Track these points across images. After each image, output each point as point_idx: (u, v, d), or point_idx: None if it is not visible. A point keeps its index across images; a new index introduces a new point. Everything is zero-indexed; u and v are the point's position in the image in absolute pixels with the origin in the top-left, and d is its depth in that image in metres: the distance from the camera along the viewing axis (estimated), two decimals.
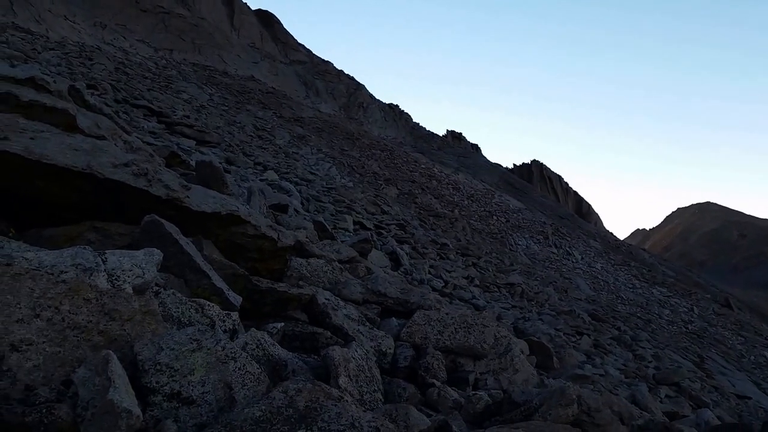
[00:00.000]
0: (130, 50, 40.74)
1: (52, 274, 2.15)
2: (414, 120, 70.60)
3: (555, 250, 36.87)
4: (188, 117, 21.53)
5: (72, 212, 3.43)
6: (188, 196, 3.59)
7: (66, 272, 2.20)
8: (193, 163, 7.36)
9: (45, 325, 2.03)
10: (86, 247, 2.38)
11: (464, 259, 19.35)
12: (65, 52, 26.98)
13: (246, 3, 67.27)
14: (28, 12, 36.95)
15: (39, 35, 30.79)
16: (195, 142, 16.06)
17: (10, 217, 3.32)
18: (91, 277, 2.22)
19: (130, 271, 2.42)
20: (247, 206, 4.60)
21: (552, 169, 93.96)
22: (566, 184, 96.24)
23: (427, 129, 71.52)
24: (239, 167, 15.13)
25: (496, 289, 16.51)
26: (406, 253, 14.24)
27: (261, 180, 13.96)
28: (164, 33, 50.80)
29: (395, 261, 12.56)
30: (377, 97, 66.21)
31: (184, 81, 33.41)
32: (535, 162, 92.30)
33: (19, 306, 1.99)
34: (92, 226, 3.36)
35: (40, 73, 3.64)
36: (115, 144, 3.65)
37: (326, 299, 4.27)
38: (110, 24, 45.67)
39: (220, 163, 11.94)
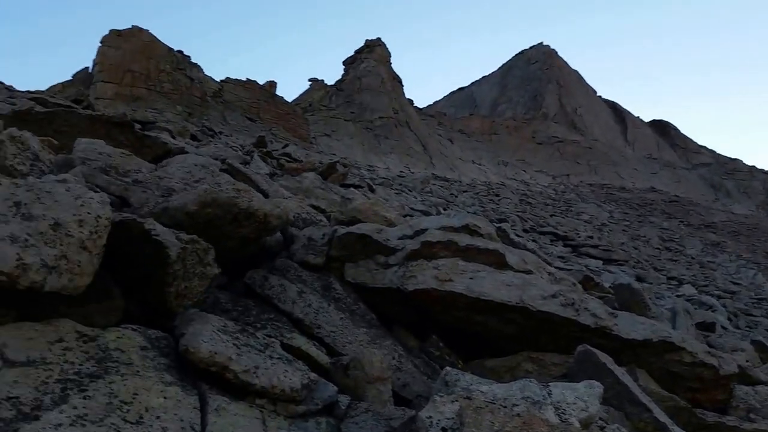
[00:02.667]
0: (531, 181, 43.55)
1: (506, 407, 2.27)
2: None
3: None
4: (591, 237, 21.63)
5: (509, 343, 3.62)
6: (616, 324, 3.52)
7: (517, 405, 2.29)
8: (604, 284, 7.26)
9: None
10: (532, 380, 2.46)
11: None
12: (476, 192, 30.38)
13: (638, 117, 66.51)
14: (443, 163, 43.31)
15: (453, 181, 35.48)
16: (602, 262, 15.95)
17: (457, 350, 3.67)
18: (541, 411, 2.28)
19: (574, 404, 2.41)
20: (678, 331, 4.26)
21: None
22: None
23: None
24: (651, 284, 14.35)
25: None
26: None
27: (677, 296, 12.95)
28: (560, 160, 53.19)
29: None
30: None
31: (583, 202, 34.04)
32: None
33: None
34: (528, 357, 3.49)
35: (472, 219, 4.11)
36: (540, 276, 3.84)
37: None
38: (511, 161, 50.12)
39: (631, 281, 11.50)
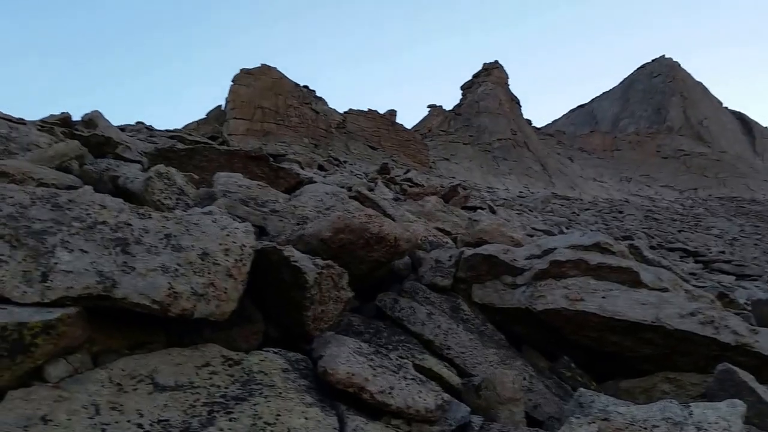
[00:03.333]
0: (656, 197, 41.42)
1: (646, 428, 2.17)
2: None
3: None
4: (723, 252, 20.02)
5: (645, 364, 3.48)
6: (757, 341, 3.26)
7: (657, 426, 2.19)
8: (739, 300, 6.67)
9: None
10: (672, 400, 2.35)
11: None
12: (598, 210, 29.21)
13: (767, 127, 61.90)
14: (563, 181, 42.08)
15: (574, 199, 34.34)
16: (735, 278, 14.68)
17: (589, 371, 3.53)
18: (682, 431, 2.16)
19: (716, 423, 2.25)
20: None
21: None
22: None
23: None
24: None
25: None
26: None
27: None
28: (686, 174, 50.36)
29: None
30: None
31: (712, 216, 31.74)
32: None
33: None
34: (665, 377, 3.35)
35: (603, 237, 3.95)
36: (677, 294, 3.64)
37: None
38: (635, 176, 47.81)
39: None
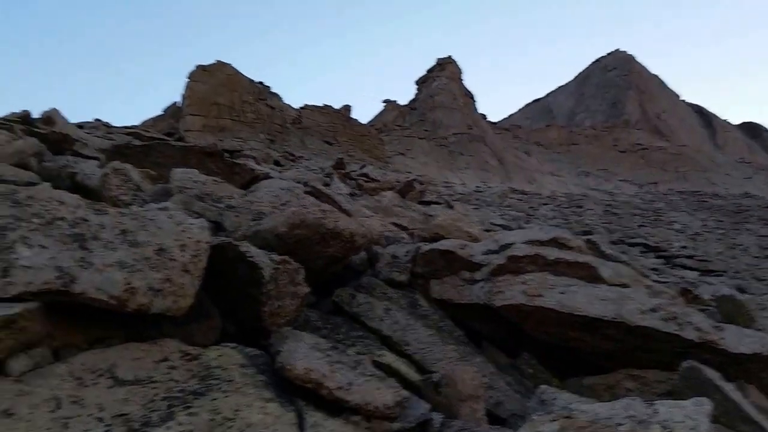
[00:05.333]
0: (615, 191, 42.20)
1: (609, 426, 2.18)
2: None
3: None
4: (685, 247, 20.60)
5: (608, 360, 3.49)
6: (723, 338, 3.31)
7: (622, 424, 2.19)
8: (703, 296, 6.90)
9: None
10: (636, 398, 2.36)
11: None
12: (557, 204, 29.65)
13: (726, 120, 63.50)
14: (521, 176, 42.67)
15: (533, 193, 34.84)
16: (698, 273, 15.12)
17: (551, 367, 3.54)
18: (647, 430, 2.18)
19: (683, 423, 2.28)
20: None
21: None
22: None
23: None
24: (754, 294, 13.48)
25: None
26: None
27: None
28: (646, 168, 51.41)
29: None
30: None
31: (674, 211, 32.56)
32: None
33: None
34: (629, 374, 3.35)
35: (561, 233, 4.01)
36: (638, 290, 3.67)
37: None
38: (593, 171, 48.71)
39: (733, 291, 10.86)
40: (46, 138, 5.74)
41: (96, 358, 1.95)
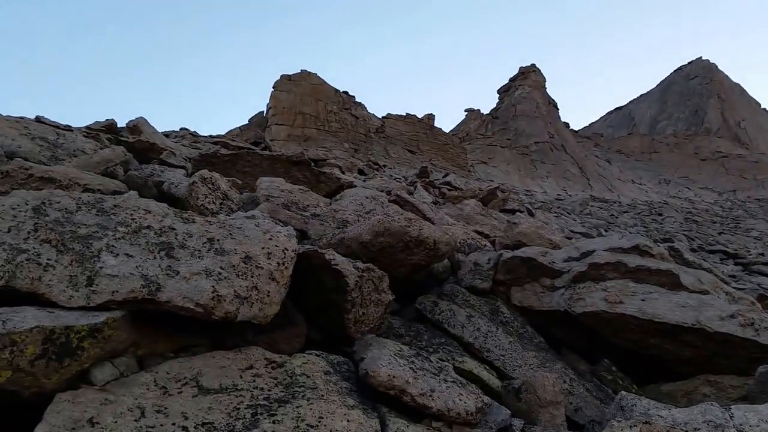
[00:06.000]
0: (695, 199, 40.59)
1: (686, 431, 2.14)
2: None
3: None
4: (762, 254, 19.41)
5: (685, 367, 3.44)
6: None
7: (699, 429, 2.20)
8: None
9: None
10: (713, 403, 2.32)
11: None
12: (637, 212, 28.71)
13: None
14: (601, 184, 41.41)
15: (613, 201, 33.78)
16: None
17: (630, 374, 3.49)
18: None
19: (758, 426, 2.22)
20: None
21: None
22: None
23: None
24: None
25: None
26: None
27: None
28: (725, 176, 49.49)
29: None
30: None
31: (752, 218, 30.90)
32: None
33: None
34: (706, 380, 3.31)
35: (643, 240, 3.90)
36: (718, 297, 3.58)
37: None
38: (673, 179, 46.90)
39: None
40: (133, 147, 5.90)
41: (181, 367, 1.98)
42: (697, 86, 67.25)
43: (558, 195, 33.22)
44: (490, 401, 2.44)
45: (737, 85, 70.99)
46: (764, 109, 71.73)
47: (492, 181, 30.15)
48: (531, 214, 11.59)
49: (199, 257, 2.14)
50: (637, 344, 3.50)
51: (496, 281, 3.93)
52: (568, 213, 22.70)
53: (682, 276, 3.76)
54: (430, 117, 38.45)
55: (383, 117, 36.34)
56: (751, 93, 72.50)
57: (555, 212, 21.61)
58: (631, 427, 2.09)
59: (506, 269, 3.90)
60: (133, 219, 2.22)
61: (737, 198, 43.22)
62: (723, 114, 62.75)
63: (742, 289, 9.51)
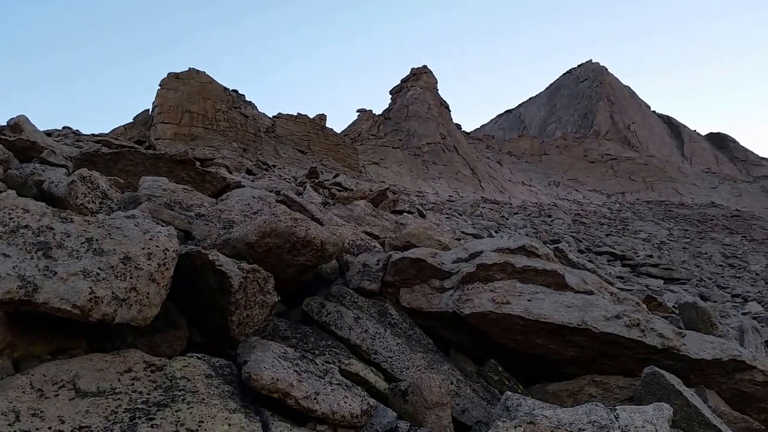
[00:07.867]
0: (584, 201, 42.88)
1: (571, 431, 2.23)
2: None
3: None
4: (651, 256, 21.00)
5: (572, 367, 3.54)
6: (684, 344, 3.38)
7: (583, 429, 2.25)
8: (667, 303, 7.03)
9: None
10: (598, 403, 2.41)
11: None
12: (527, 214, 30.09)
13: (695, 131, 65.13)
14: (492, 185, 43.09)
15: (503, 203, 35.25)
16: (663, 281, 15.44)
17: (516, 374, 3.61)
18: None
19: (643, 428, 2.34)
20: (750, 350, 4.07)
21: None
22: None
23: None
24: (716, 302, 13.79)
25: None
26: None
27: (743, 314, 12.41)
28: (614, 178, 52.39)
29: None
30: None
31: (641, 220, 33.23)
32: None
33: None
34: (592, 380, 3.40)
35: (529, 241, 4.05)
36: (603, 297, 3.74)
37: None
38: (563, 181, 49.45)
39: (696, 299, 11.09)
40: (13, 145, 5.68)
41: (58, 369, 1.92)
42: (587, 89, 69.98)
43: (450, 196, 34.16)
44: (376, 404, 2.47)
45: (627, 87, 74.32)
46: (654, 111, 75.27)
47: (383, 182, 30.55)
48: (422, 215, 11.88)
49: (77, 257, 2.07)
50: (524, 344, 3.56)
51: (385, 283, 3.95)
52: (459, 214, 23.42)
53: (567, 276, 3.85)
54: (322, 117, 38.39)
55: (274, 116, 35.85)
56: (641, 96, 76.39)
57: (446, 213, 22.23)
58: (515, 427, 2.15)
59: (395, 270, 3.92)
60: (10, 218, 2.11)
61: (626, 200, 45.82)
62: (612, 117, 65.48)
63: (630, 290, 10.23)
